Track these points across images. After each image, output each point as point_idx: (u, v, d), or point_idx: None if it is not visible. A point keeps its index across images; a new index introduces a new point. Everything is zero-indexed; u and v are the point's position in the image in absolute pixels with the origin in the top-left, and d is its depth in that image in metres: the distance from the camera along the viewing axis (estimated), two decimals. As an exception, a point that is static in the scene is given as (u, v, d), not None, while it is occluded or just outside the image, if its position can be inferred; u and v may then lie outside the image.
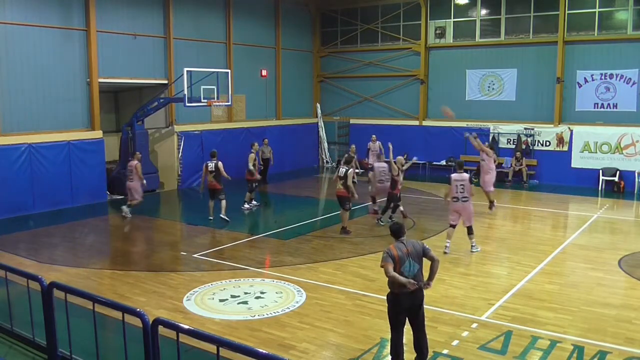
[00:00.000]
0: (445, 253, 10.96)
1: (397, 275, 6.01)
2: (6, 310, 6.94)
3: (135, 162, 14.42)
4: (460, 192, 11.02)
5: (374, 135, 20.31)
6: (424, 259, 6.29)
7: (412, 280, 6.01)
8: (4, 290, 6.97)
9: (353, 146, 18.47)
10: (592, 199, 17.60)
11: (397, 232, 6.35)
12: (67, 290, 5.98)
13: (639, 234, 13.32)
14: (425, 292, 6.30)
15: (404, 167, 13.44)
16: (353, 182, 13.12)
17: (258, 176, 16.15)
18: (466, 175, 11.10)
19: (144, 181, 14.65)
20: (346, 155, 14.20)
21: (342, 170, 12.85)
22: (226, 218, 14.07)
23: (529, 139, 20.38)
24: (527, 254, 11.13)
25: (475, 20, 21.59)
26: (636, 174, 18.44)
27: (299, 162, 23.67)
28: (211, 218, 14.30)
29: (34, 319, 6.48)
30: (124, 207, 14.69)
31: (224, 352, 4.51)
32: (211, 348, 4.66)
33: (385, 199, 13.92)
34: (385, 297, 6.34)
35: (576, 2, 19.52)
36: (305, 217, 14.84)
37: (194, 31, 19.56)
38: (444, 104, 22.38)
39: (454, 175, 11.16)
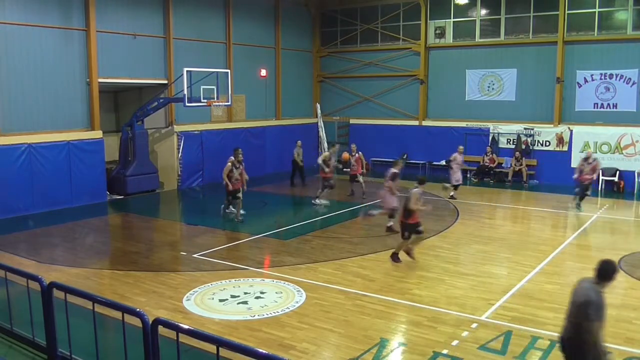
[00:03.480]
0: None
1: None
2: (6, 310, 6.95)
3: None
4: None
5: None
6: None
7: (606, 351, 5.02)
8: (4, 290, 6.97)
9: (353, 145, 18.21)
10: (592, 199, 17.55)
11: (602, 273, 5.10)
12: (67, 290, 5.99)
13: (638, 234, 13.32)
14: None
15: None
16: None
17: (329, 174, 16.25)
18: None
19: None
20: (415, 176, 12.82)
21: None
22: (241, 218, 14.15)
23: (529, 139, 20.38)
24: (527, 254, 11.13)
25: (475, 20, 21.58)
26: (636, 174, 18.43)
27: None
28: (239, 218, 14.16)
29: (34, 319, 6.48)
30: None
31: (224, 352, 4.51)
32: (211, 348, 4.66)
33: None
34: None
35: (576, 2, 19.50)
36: (305, 217, 14.84)
37: (194, 31, 19.55)
38: (444, 103, 22.52)
39: None
